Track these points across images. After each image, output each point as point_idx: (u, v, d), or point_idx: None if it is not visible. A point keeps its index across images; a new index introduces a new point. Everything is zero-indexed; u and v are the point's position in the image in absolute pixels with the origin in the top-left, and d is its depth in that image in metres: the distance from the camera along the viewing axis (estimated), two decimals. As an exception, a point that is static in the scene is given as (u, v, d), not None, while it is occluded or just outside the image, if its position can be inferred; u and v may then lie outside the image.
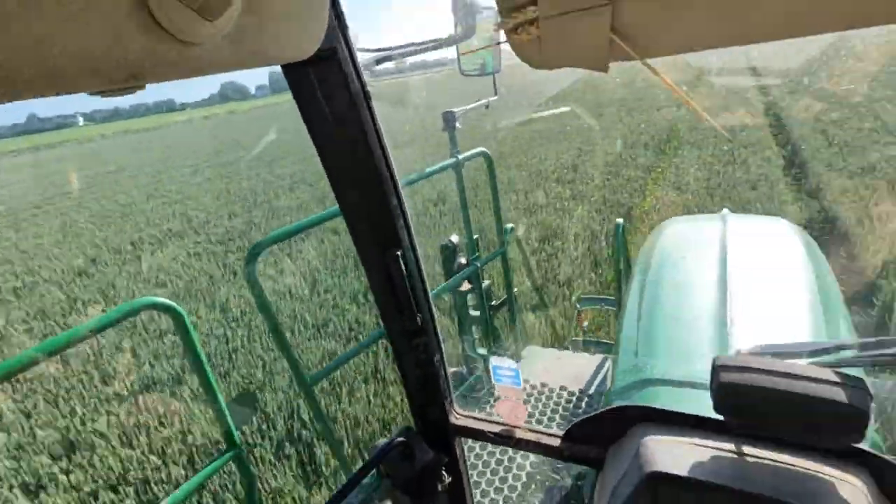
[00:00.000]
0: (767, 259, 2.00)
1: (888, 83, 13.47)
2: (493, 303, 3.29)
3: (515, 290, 3.49)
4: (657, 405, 1.00)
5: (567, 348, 3.60)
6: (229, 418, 1.71)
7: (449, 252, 3.04)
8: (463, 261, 3.03)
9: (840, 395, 0.74)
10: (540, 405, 2.87)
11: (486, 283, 3.19)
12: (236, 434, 1.75)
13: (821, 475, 0.78)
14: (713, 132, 9.94)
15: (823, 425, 0.76)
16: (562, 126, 14.03)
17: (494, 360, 1.20)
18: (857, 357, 0.87)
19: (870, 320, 3.91)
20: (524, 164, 10.73)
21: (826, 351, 0.87)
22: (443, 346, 1.21)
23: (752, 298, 1.65)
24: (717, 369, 0.84)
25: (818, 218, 5.91)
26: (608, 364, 3.08)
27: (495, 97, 2.79)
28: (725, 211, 2.59)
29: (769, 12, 0.47)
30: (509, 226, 3.27)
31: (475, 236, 3.10)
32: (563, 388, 2.96)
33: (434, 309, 1.16)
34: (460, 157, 2.65)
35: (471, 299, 3.20)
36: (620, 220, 2.91)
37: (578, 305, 3.78)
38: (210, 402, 1.71)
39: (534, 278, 4.00)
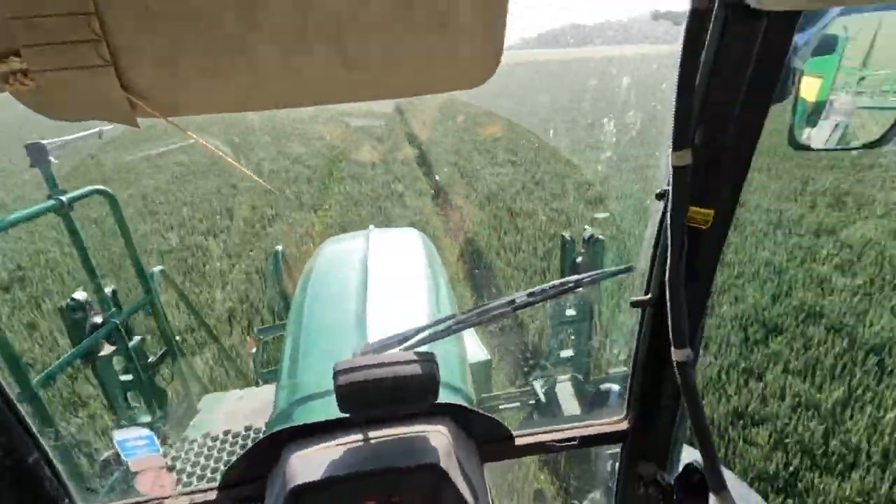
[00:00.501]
0: (398, 265, 2.42)
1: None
2: (150, 360, 2.84)
3: (179, 337, 3.11)
4: (312, 420, 1.07)
5: (258, 383, 3.46)
6: None
7: (75, 313, 2.45)
8: (98, 319, 2.50)
9: (416, 369, 0.97)
10: (224, 455, 2.65)
11: (136, 339, 2.72)
12: None
13: (414, 434, 1.01)
14: (371, 167, 11.37)
15: (409, 395, 0.98)
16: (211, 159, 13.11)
17: (118, 434, 1.04)
18: (432, 334, 1.16)
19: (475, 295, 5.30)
20: (167, 201, 9.67)
21: (408, 337, 1.14)
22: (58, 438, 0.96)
23: (386, 301, 1.97)
24: (336, 374, 0.97)
25: (443, 226, 7.56)
26: None
27: (110, 126, 2.41)
28: (371, 227, 3.00)
29: (261, 84, 0.56)
30: (157, 269, 2.88)
31: (112, 288, 2.60)
32: (248, 427, 2.82)
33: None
34: (65, 197, 2.16)
35: (118, 362, 2.67)
36: (279, 248, 2.97)
37: (261, 336, 3.67)
38: None
39: (201, 319, 3.65)
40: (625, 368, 2.94)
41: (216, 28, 0.50)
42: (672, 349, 0.81)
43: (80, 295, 2.45)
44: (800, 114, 1.16)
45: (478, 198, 8.82)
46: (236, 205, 9.11)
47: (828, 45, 1.03)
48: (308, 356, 1.73)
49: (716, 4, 0.63)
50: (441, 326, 1.18)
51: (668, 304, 0.79)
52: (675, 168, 0.72)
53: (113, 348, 2.57)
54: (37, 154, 2.02)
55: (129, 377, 2.69)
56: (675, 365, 0.82)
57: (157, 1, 0.48)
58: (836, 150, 1.45)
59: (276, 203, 9.00)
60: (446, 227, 7.55)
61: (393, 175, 10.73)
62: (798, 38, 0.73)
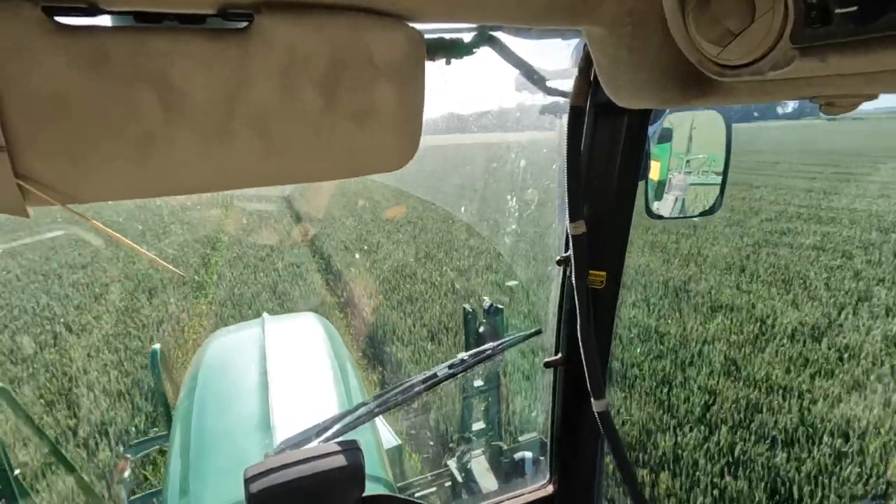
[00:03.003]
0: (300, 353, 2.28)
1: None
2: (-23, 506, 2.24)
3: (18, 471, 2.51)
4: None
5: None
6: None
7: None
8: None
9: (341, 460, 0.90)
10: None
11: (-44, 481, 2.14)
12: None
13: None
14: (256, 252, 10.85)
15: (335, 490, 0.90)
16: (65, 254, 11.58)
17: None
18: (351, 422, 1.10)
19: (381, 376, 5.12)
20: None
21: (326, 427, 1.06)
22: None
23: (290, 394, 1.83)
24: (247, 482, 0.86)
25: (340, 309, 7.35)
26: None
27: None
28: (265, 315, 2.81)
29: (181, 169, 0.54)
30: (-8, 387, 2.37)
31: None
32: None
33: None
34: None
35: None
36: (157, 346, 2.64)
37: (130, 455, 3.10)
38: None
39: (53, 445, 3.00)
40: (535, 434, 2.98)
41: (132, 115, 0.49)
42: (592, 401, 0.87)
43: None
44: (650, 189, 1.43)
45: (381, 274, 8.80)
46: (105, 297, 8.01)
47: (666, 136, 1.28)
48: (203, 468, 1.51)
49: (588, 103, 0.77)
50: (360, 412, 1.13)
51: (584, 360, 0.85)
52: (574, 237, 0.82)
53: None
54: None
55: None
56: (596, 416, 0.87)
57: (64, 87, 0.46)
58: (681, 217, 1.75)
59: (155, 294, 8.09)
60: (350, 307, 7.34)
61: (293, 258, 10.38)
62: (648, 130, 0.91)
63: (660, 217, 1.60)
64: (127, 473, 2.79)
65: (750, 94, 0.53)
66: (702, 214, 1.60)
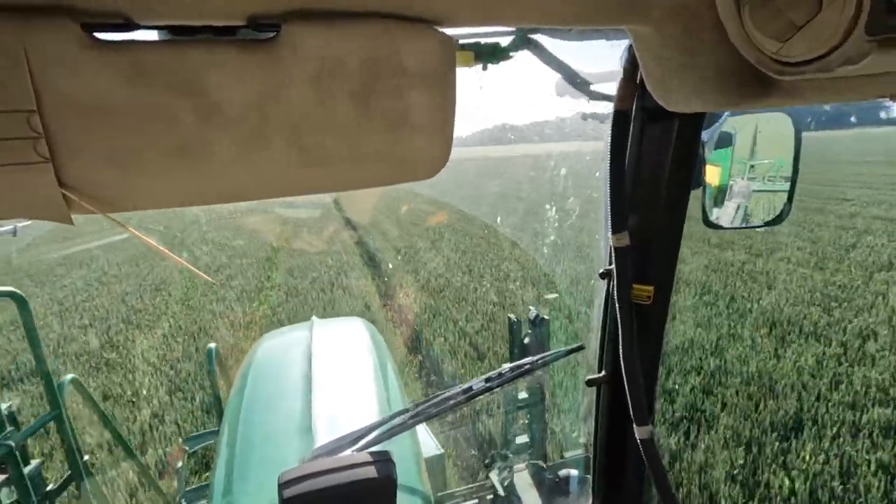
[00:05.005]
0: (345, 358, 2.31)
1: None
2: (51, 487, 2.43)
3: (87, 457, 2.70)
4: None
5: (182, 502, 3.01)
6: None
7: (-42, 437, 2.09)
8: (-14, 443, 2.14)
9: (371, 472, 0.89)
10: None
11: (34, 463, 2.33)
12: None
13: None
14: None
15: (368, 499, 0.89)
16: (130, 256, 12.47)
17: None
18: (387, 431, 1.09)
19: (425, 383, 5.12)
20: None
21: (360, 436, 1.06)
22: None
23: (333, 398, 1.85)
24: (281, 487, 0.87)
25: (386, 315, 7.46)
26: None
27: (28, 221, 2.25)
28: (314, 318, 2.88)
29: (217, 179, 0.55)
30: (68, 377, 2.56)
31: (9, 404, 2.26)
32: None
33: None
34: (-35, 301, 1.94)
35: (7, 495, 2.25)
36: (213, 345, 2.77)
37: (187, 447, 3.27)
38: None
39: (117, 433, 3.22)
40: (581, 451, 2.87)
41: (170, 125, 0.50)
42: (634, 427, 0.81)
43: (-33, 415, 2.11)
44: (709, 197, 1.34)
45: (424, 283, 8.87)
46: (166, 300, 8.57)
47: (725, 140, 1.19)
48: (246, 467, 1.55)
49: (634, 107, 0.72)
50: (396, 422, 1.11)
51: (626, 381, 0.80)
52: (616, 249, 0.77)
53: (3, 477, 2.18)
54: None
55: (19, 512, 2.26)
56: (639, 443, 0.81)
57: (105, 100, 0.48)
58: (742, 228, 1.63)
59: (212, 297, 8.56)
60: (393, 314, 7.44)
61: (341, 264, 10.69)
62: (703, 135, 0.85)
63: (719, 227, 1.50)
64: (180, 465, 2.93)
65: (816, 94, 0.47)
66: (767, 224, 1.49)
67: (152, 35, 0.51)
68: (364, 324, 2.84)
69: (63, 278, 10.73)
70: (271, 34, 0.49)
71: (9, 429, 2.16)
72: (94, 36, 0.45)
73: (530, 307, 2.74)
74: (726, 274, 8.15)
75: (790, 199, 1.41)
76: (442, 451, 2.72)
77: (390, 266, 10.43)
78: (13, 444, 2.13)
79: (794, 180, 1.40)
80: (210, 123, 0.51)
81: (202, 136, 0.52)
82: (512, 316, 2.74)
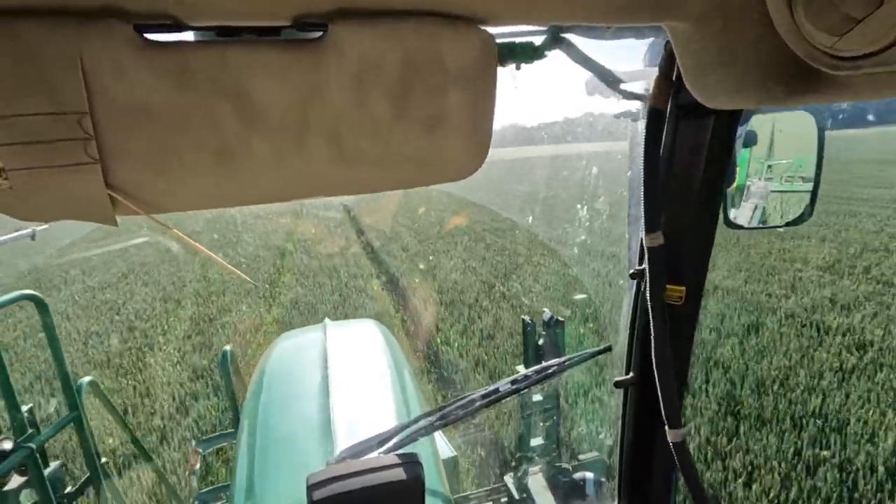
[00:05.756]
0: (360, 360, 2.31)
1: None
2: (70, 489, 2.45)
3: (106, 459, 2.72)
4: None
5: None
6: None
7: (-20, 439, 2.11)
8: (7, 446, 2.16)
9: (401, 473, 0.89)
10: None
11: (54, 465, 2.36)
12: None
13: None
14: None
15: (398, 501, 0.89)
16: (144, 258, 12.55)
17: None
18: (412, 434, 1.09)
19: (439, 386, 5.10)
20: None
21: (387, 438, 1.06)
22: None
23: (352, 401, 1.85)
24: (310, 489, 0.87)
25: (399, 315, 7.46)
26: None
27: (45, 225, 2.28)
28: (327, 320, 2.88)
29: (257, 179, 0.55)
30: (86, 379, 2.59)
31: (29, 406, 2.29)
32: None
33: None
34: (-13, 304, 1.96)
35: (27, 497, 2.27)
36: (227, 347, 2.78)
37: (200, 449, 3.29)
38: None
39: (133, 435, 3.25)
40: (597, 454, 2.85)
41: (213, 127, 0.51)
42: (666, 429, 0.80)
43: (-12, 417, 2.14)
44: (728, 198, 1.33)
45: (446, 284, 8.89)
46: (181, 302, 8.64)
47: (751, 139, 1.18)
48: (268, 468, 1.56)
49: (669, 105, 0.72)
50: (421, 424, 1.11)
51: (658, 383, 0.79)
52: (650, 249, 0.76)
53: (23, 479, 2.21)
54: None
55: (40, 514, 2.28)
56: (671, 446, 0.80)
57: (152, 101, 0.48)
58: (763, 228, 1.62)
59: (229, 300, 8.63)
60: (416, 315, 7.45)
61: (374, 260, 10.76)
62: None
63: (739, 227, 1.48)
64: (198, 466, 2.94)
65: (872, 89, 0.46)
66: (788, 224, 1.47)
67: (200, 36, 0.51)
68: (377, 325, 2.84)
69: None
70: (317, 34, 0.49)
71: (29, 431, 2.18)
72: (144, 37, 0.45)
73: (545, 309, 2.72)
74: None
75: (813, 199, 1.40)
76: (455, 453, 2.71)
77: (410, 266, 10.48)
78: (34, 446, 2.15)
79: (816, 180, 1.38)
80: (251, 125, 0.52)
81: (243, 137, 0.52)
82: (526, 318, 2.73)
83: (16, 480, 2.19)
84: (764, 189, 1.62)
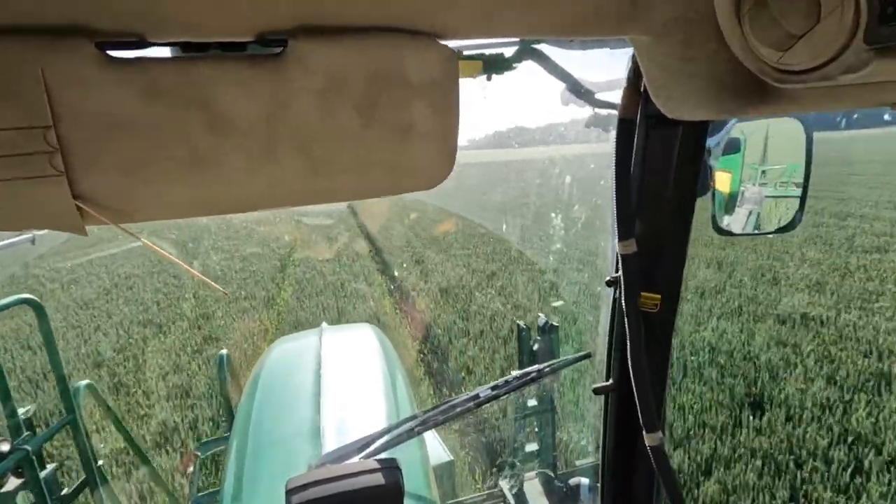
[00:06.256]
0: (354, 365, 2.32)
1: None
2: (66, 491, 2.47)
3: (102, 462, 2.74)
4: None
5: None
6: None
7: (-23, 441, 2.13)
8: (4, 448, 2.18)
9: (378, 479, 0.90)
10: None
11: (50, 467, 2.37)
12: None
13: None
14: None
15: None
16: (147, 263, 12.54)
17: None
18: (394, 438, 1.09)
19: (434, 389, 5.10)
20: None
21: (368, 443, 1.06)
22: None
23: (341, 405, 1.86)
24: (288, 494, 0.88)
25: (397, 321, 7.47)
26: None
27: (44, 231, 2.30)
28: (324, 324, 2.90)
29: (228, 189, 0.56)
30: (82, 383, 2.60)
31: (26, 409, 2.31)
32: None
33: None
34: (-15, 308, 1.98)
35: (24, 499, 2.29)
36: (224, 352, 2.80)
37: (199, 453, 3.30)
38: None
39: (130, 438, 3.26)
40: (591, 459, 2.84)
41: (181, 138, 0.52)
42: (644, 434, 0.80)
43: (-15, 420, 2.16)
44: (718, 204, 1.33)
45: (432, 291, 8.88)
46: (178, 307, 8.67)
47: (734, 146, 1.19)
48: (256, 472, 1.56)
49: (639, 115, 0.72)
50: (402, 429, 1.12)
51: (635, 389, 0.79)
52: (623, 256, 0.77)
53: (20, 481, 2.22)
54: (-43, 263, 1.87)
55: (35, 516, 2.30)
56: (648, 450, 0.81)
57: (117, 114, 0.49)
58: (754, 234, 1.62)
59: (225, 304, 8.64)
60: (401, 321, 7.45)
61: (347, 272, 10.71)
62: (710, 141, 0.84)
63: (729, 233, 1.48)
64: (191, 469, 2.95)
65: (817, 102, 0.47)
66: (779, 231, 1.47)
67: (164, 52, 0.52)
68: (373, 330, 2.85)
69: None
70: (278, 49, 0.50)
71: (25, 433, 2.19)
72: (108, 54, 0.46)
73: (539, 314, 2.73)
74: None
75: (802, 205, 1.40)
76: (451, 457, 2.72)
77: (396, 274, 10.46)
78: (30, 448, 2.16)
79: (805, 186, 1.39)
80: (220, 136, 0.53)
81: (212, 148, 0.53)
82: (521, 323, 2.73)
83: (12, 482, 2.21)
84: (758, 195, 1.62)
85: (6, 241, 2.35)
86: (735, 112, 0.52)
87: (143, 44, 0.48)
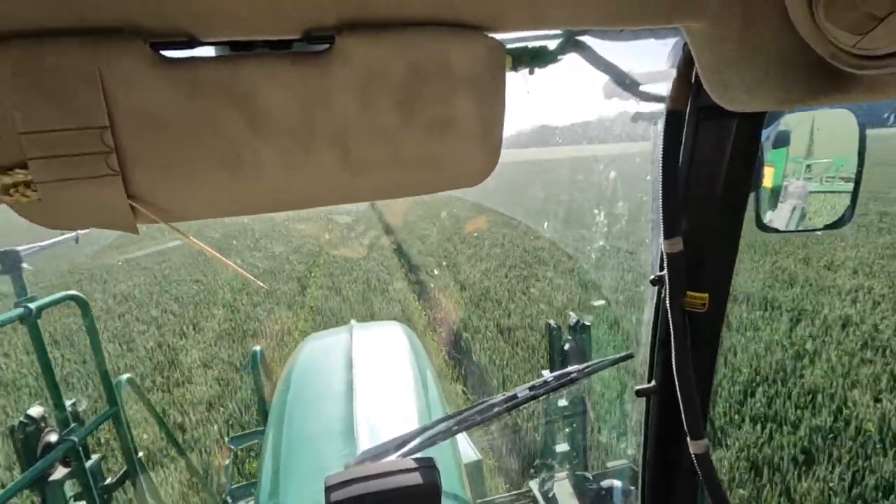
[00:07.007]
0: (385, 362, 2.34)
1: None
2: (109, 481, 2.56)
3: (141, 454, 2.83)
4: None
5: (227, 502, 3.12)
6: None
7: (28, 431, 2.23)
8: (53, 438, 2.28)
9: (417, 478, 0.89)
10: None
11: (94, 458, 2.47)
12: None
13: None
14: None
15: None
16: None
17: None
18: (431, 438, 1.09)
19: (463, 389, 5.09)
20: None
21: (405, 442, 1.06)
22: None
23: (375, 403, 1.87)
24: (328, 490, 0.88)
25: (423, 316, 7.49)
26: None
27: (86, 231, 2.40)
28: (353, 322, 2.93)
29: (268, 188, 0.56)
30: (124, 377, 2.70)
31: (72, 401, 2.41)
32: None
33: None
34: (34, 305, 2.07)
35: (70, 487, 2.39)
36: (257, 348, 2.86)
37: (232, 446, 3.39)
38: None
39: (168, 431, 3.38)
40: (624, 462, 2.78)
41: (225, 137, 0.52)
42: (688, 441, 0.78)
43: (35, 411, 2.25)
44: (762, 199, 1.28)
45: (467, 289, 8.88)
46: (213, 305, 8.91)
47: (783, 139, 1.13)
48: (291, 468, 1.59)
49: (689, 107, 0.70)
50: (440, 428, 1.11)
51: (679, 393, 0.76)
52: (669, 255, 0.74)
53: (67, 470, 2.32)
54: (9, 260, 1.96)
55: (82, 504, 2.40)
56: (693, 458, 0.78)
57: (167, 114, 0.50)
58: (800, 231, 1.55)
59: (260, 301, 8.84)
60: (439, 318, 7.47)
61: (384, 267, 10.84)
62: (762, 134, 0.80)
63: (774, 230, 1.42)
64: (227, 463, 3.03)
65: None
66: (827, 227, 1.41)
67: (212, 51, 0.53)
68: (402, 328, 2.85)
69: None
70: (325, 46, 0.50)
71: (72, 425, 2.29)
72: (160, 54, 0.47)
73: (570, 313, 2.68)
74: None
75: (853, 201, 1.33)
76: (479, 457, 2.70)
77: (433, 269, 10.51)
78: (76, 439, 2.26)
79: (857, 181, 1.32)
80: (262, 135, 0.53)
81: (254, 147, 0.53)
82: (551, 322, 2.69)
83: (60, 472, 2.30)
84: (802, 190, 1.55)
85: (51, 241, 2.45)
86: (802, 101, 0.49)
87: (193, 43, 0.49)
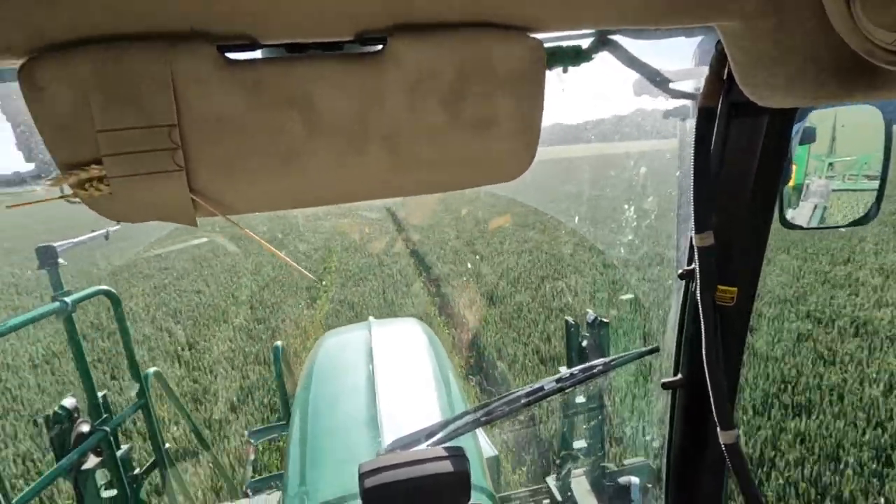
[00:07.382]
0: (404, 357, 2.37)
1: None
2: (137, 471, 2.64)
3: (168, 445, 2.91)
4: None
5: (248, 494, 3.19)
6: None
7: (62, 422, 2.31)
8: (85, 429, 2.36)
9: (448, 466, 0.92)
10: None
11: (124, 448, 2.55)
12: None
13: None
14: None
15: (442, 495, 0.92)
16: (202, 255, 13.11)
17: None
18: (458, 428, 1.11)
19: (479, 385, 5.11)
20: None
21: (434, 432, 1.09)
22: None
23: (397, 396, 1.90)
24: (362, 476, 0.91)
25: (441, 314, 7.53)
26: None
27: (118, 226, 2.47)
28: (371, 319, 2.97)
29: (320, 183, 0.60)
30: (151, 370, 2.78)
31: (103, 393, 2.49)
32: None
33: None
34: (69, 299, 2.14)
35: (102, 476, 2.47)
36: (279, 343, 2.91)
37: (253, 440, 3.46)
38: None
39: (193, 424, 3.46)
40: (642, 458, 2.78)
41: (281, 134, 0.55)
42: (718, 431, 0.79)
43: (69, 402, 2.33)
44: (785, 196, 1.29)
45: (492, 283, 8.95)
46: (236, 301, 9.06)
47: (809, 136, 1.14)
48: (318, 459, 1.63)
49: (720, 104, 0.71)
50: (468, 419, 1.14)
51: (710, 384, 0.78)
52: (700, 249, 0.75)
53: (98, 460, 2.40)
54: (46, 256, 2.04)
55: (112, 493, 2.48)
56: (723, 448, 0.79)
57: (230, 113, 0.53)
58: (824, 228, 1.54)
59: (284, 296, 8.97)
60: (468, 314, 7.52)
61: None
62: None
63: (798, 227, 1.42)
64: (252, 456, 3.09)
65: None
66: (852, 224, 1.40)
67: (272, 53, 0.56)
68: (420, 324, 2.89)
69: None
70: (376, 48, 0.53)
71: (104, 415, 2.36)
72: (225, 56, 0.50)
73: (588, 310, 2.69)
74: None
75: (879, 198, 1.33)
76: (496, 452, 2.73)
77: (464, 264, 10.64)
78: (108, 429, 2.33)
79: (883, 178, 1.31)
80: (315, 132, 0.56)
81: (308, 144, 0.56)
82: (569, 318, 2.70)
83: (92, 461, 2.38)
84: (824, 188, 1.54)
85: (82, 238, 2.52)
86: (836, 98, 0.50)
87: (254, 45, 0.52)
